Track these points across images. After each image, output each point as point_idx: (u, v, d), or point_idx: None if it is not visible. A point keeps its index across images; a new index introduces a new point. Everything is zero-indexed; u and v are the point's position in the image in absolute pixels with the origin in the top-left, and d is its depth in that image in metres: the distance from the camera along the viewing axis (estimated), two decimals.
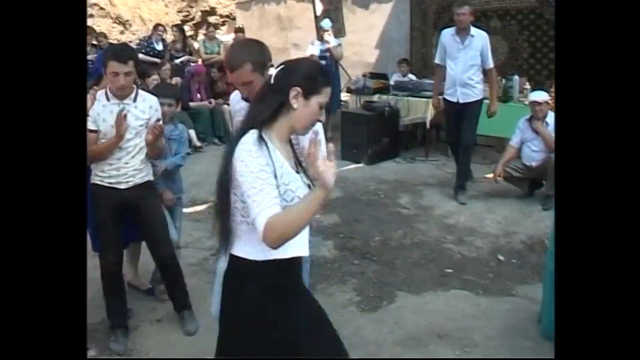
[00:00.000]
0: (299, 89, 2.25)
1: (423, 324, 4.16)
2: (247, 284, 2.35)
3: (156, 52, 10.12)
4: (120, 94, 3.77)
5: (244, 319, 2.37)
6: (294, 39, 12.66)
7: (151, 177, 4.03)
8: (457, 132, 6.81)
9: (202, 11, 15.94)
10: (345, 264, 5.22)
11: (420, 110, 8.71)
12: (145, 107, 3.86)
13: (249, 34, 11.99)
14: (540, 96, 6.36)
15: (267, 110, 2.28)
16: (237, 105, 3.23)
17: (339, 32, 11.11)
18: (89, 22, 13.07)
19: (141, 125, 3.83)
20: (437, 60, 6.97)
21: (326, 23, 10.27)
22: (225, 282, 2.43)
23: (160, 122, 3.83)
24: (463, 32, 6.59)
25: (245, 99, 2.96)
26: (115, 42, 12.01)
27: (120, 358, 3.89)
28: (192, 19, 15.88)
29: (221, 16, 15.95)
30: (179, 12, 15.90)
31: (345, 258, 5.35)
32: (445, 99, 6.87)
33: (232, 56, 2.93)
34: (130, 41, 13.73)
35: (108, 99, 3.77)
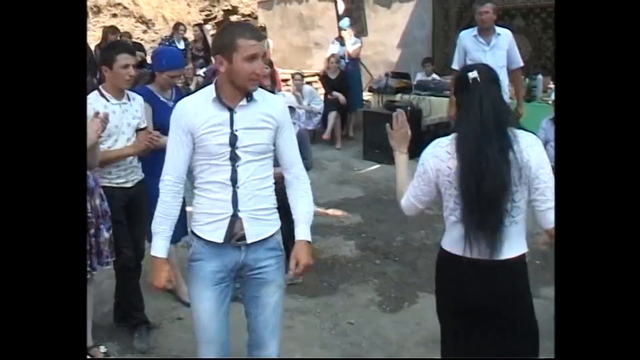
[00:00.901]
0: None
1: None
2: (526, 281, 2.56)
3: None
4: (124, 88, 3.79)
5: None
6: (316, 38, 12.66)
7: None
8: None
9: (224, 10, 16.01)
10: (367, 264, 5.20)
11: (442, 109, 8.65)
12: (137, 106, 3.89)
13: (270, 33, 12.04)
14: None
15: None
16: (206, 116, 2.60)
17: (361, 31, 11.11)
18: (113, 22, 13.19)
19: (138, 123, 3.87)
20: (455, 66, 6.21)
21: (344, 22, 10.26)
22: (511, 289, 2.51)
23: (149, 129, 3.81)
24: (487, 32, 5.98)
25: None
26: (138, 41, 12.10)
27: (140, 357, 3.91)
28: (214, 18, 15.96)
29: (243, 15, 16.00)
30: (201, 11, 16.00)
31: (367, 258, 5.33)
32: None
33: (253, 30, 2.65)
34: (153, 40, 13.87)
35: (107, 100, 3.74)
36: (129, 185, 3.85)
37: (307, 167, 4.83)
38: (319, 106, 9.63)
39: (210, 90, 2.62)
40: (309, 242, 2.75)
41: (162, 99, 4.14)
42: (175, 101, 4.17)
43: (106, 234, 3.61)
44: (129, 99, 3.84)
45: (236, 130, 2.59)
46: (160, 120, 3.99)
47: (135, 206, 3.91)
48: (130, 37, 11.16)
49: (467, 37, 6.09)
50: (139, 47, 11.09)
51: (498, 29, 6.11)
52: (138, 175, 3.93)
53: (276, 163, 4.21)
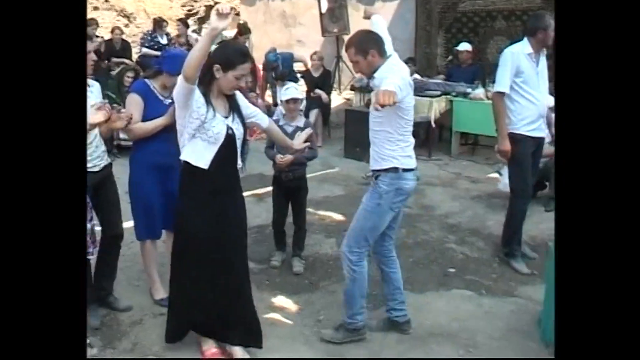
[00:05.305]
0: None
1: (426, 324, 4.16)
2: None
3: (160, 45, 10.13)
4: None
5: None
6: (298, 35, 12.66)
7: None
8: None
9: (205, 6, 15.94)
10: None
11: (423, 109, 8.71)
12: (97, 91, 4.03)
13: (253, 30, 11.98)
14: None
15: None
16: None
17: (343, 29, 11.12)
18: (94, 15, 13.07)
19: None
20: (503, 88, 4.96)
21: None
22: None
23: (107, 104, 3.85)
24: (539, 51, 5.01)
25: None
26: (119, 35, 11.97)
27: (122, 357, 3.90)
28: (196, 14, 15.88)
29: None
30: (183, 6, 15.91)
31: None
32: (528, 137, 5.02)
33: None
34: (134, 34, 13.77)
35: None
36: (96, 169, 3.93)
37: (314, 156, 5.06)
38: (301, 104, 9.61)
39: None
40: None
41: (159, 95, 4.18)
42: None
43: (87, 225, 3.63)
44: (89, 86, 3.94)
45: None
46: (152, 114, 4.07)
47: (103, 188, 4.01)
48: (122, 32, 11.08)
49: (520, 56, 4.96)
50: (126, 44, 10.97)
51: None
52: (104, 160, 4.06)
53: (281, 150, 4.49)
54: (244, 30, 10.93)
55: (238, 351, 3.76)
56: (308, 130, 4.17)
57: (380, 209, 3.79)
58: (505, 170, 6.26)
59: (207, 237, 3.53)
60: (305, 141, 4.12)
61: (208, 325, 3.73)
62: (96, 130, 3.91)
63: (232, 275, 3.67)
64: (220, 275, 3.61)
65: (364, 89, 9.48)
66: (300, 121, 5.08)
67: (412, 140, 3.86)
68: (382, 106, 3.29)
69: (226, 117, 3.54)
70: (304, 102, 9.56)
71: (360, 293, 3.93)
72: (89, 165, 3.80)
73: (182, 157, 3.50)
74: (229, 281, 3.66)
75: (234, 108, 3.61)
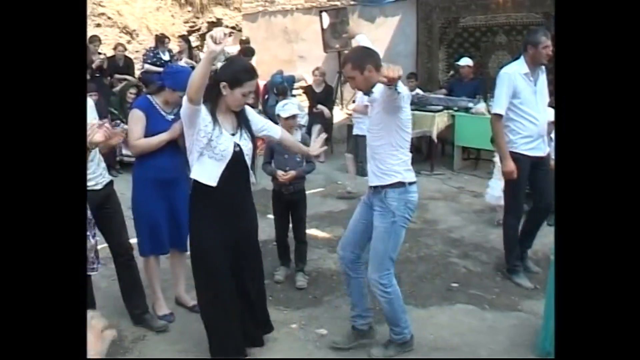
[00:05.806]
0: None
1: (429, 338, 4.16)
2: None
3: (163, 62, 10.19)
4: None
5: None
6: (300, 51, 12.73)
7: None
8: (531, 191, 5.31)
9: (208, 22, 16.03)
10: None
11: (425, 124, 8.75)
12: (90, 107, 3.96)
13: (255, 46, 12.06)
14: None
15: None
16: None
17: (345, 45, 11.18)
18: (97, 31, 13.14)
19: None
20: (500, 110, 4.95)
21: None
22: None
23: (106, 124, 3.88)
24: (535, 69, 4.97)
25: None
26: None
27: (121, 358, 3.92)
28: (198, 30, 15.96)
29: (227, 27, 16.03)
30: (185, 22, 15.99)
31: None
32: (526, 155, 5.00)
33: None
34: (137, 50, 13.84)
35: None
36: (98, 187, 3.93)
37: (313, 169, 5.09)
38: (303, 120, 9.66)
39: None
40: None
41: (161, 111, 4.20)
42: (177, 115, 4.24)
43: (92, 240, 3.63)
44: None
45: None
46: (154, 130, 4.07)
47: (108, 207, 4.02)
48: (124, 49, 11.15)
49: (517, 76, 4.93)
50: (129, 61, 11.04)
51: None
52: (106, 177, 4.04)
53: (281, 165, 4.51)
54: (248, 52, 10.94)
55: None
56: (321, 135, 4.19)
57: (396, 226, 3.77)
58: (492, 182, 6.33)
59: (218, 254, 3.56)
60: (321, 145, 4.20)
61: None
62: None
63: (244, 293, 3.74)
64: (234, 292, 3.66)
65: None
66: (297, 135, 5.09)
67: (410, 154, 3.86)
68: (391, 80, 3.24)
69: (233, 135, 3.54)
70: (306, 117, 9.63)
71: (400, 310, 3.93)
72: (91, 183, 3.80)
73: (192, 176, 3.52)
74: (243, 298, 3.74)
75: (241, 124, 3.61)
